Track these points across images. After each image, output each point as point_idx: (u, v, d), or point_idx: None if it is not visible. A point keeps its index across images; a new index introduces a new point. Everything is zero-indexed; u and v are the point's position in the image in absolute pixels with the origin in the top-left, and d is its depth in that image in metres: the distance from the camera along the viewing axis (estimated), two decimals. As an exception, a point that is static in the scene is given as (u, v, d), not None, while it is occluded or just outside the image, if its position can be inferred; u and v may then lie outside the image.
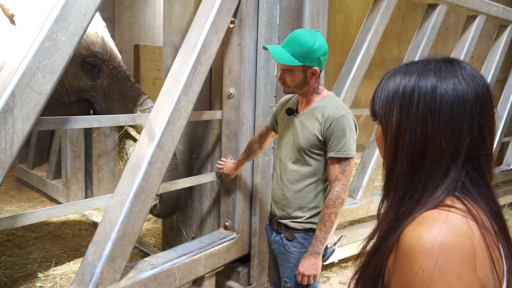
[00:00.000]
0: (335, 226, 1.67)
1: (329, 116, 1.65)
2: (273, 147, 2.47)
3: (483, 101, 0.73)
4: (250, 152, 2.13)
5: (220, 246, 2.30)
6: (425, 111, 0.73)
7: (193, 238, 2.69)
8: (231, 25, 2.33)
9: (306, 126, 1.71)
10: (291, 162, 1.77)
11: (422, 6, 3.56)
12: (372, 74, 6.81)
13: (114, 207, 1.78)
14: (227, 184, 2.46)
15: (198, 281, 2.29)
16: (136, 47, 6.46)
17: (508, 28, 4.26)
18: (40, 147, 5.12)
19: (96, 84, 2.41)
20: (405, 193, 0.75)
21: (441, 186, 0.72)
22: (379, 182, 3.89)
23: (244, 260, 2.53)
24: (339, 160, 1.64)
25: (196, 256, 2.15)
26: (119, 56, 2.59)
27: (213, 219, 2.70)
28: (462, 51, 3.74)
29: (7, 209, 4.13)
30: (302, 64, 1.63)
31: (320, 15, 2.44)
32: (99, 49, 2.38)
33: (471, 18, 3.81)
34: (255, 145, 2.11)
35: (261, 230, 2.50)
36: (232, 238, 2.39)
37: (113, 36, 4.40)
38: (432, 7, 3.37)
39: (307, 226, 1.75)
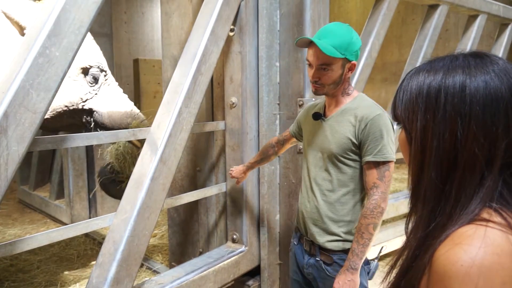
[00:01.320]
0: (374, 238, 1.47)
1: (363, 116, 1.49)
2: (279, 156, 2.41)
3: None
4: (264, 156, 1.98)
5: (229, 260, 2.22)
6: (453, 114, 0.65)
7: (200, 253, 2.61)
8: (231, 33, 2.29)
9: (337, 130, 1.55)
10: (323, 170, 1.59)
11: (421, 8, 3.53)
12: (373, 78, 6.78)
13: (117, 226, 1.71)
14: (234, 196, 2.39)
15: (208, 298, 2.22)
16: (136, 61, 6.45)
17: (509, 26, 4.21)
18: (41, 168, 5.06)
19: (96, 92, 2.50)
20: (435, 206, 0.67)
21: (475, 198, 0.64)
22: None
23: (254, 273, 2.45)
24: (377, 164, 1.46)
25: (205, 272, 2.07)
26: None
27: (220, 232, 2.63)
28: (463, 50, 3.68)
29: (9, 233, 4.06)
30: (343, 56, 1.47)
31: (322, 20, 2.38)
32: (100, 59, 2.47)
33: (472, 18, 3.77)
34: (270, 150, 1.96)
35: (270, 242, 2.42)
36: (241, 252, 2.31)
37: (111, 51, 4.38)
38: (433, 7, 3.33)
39: (347, 245, 1.54)
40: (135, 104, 2.73)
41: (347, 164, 1.55)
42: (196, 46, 2.04)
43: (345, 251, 1.53)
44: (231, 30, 2.26)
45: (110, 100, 2.55)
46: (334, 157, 1.56)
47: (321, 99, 1.74)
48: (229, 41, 2.29)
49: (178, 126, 1.91)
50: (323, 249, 1.58)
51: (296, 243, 1.72)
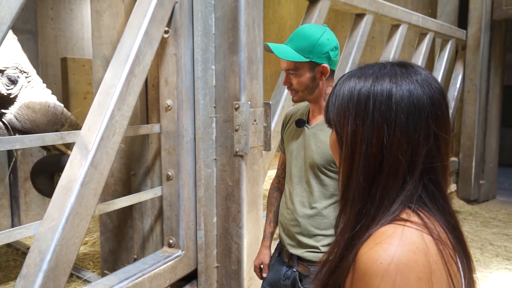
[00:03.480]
0: None
1: None
2: (215, 159, 2.42)
3: (439, 108, 0.70)
4: (276, 206, 1.74)
5: (165, 265, 2.18)
6: (380, 121, 0.69)
7: (135, 260, 2.54)
8: (166, 35, 2.26)
9: (322, 140, 1.48)
10: (304, 181, 1.51)
11: (350, 16, 3.73)
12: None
13: (44, 235, 1.62)
14: (170, 200, 2.36)
15: (143, 305, 2.16)
16: (64, 60, 6.11)
17: (427, 36, 4.60)
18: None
19: (15, 94, 2.32)
20: (362, 208, 0.71)
21: (397, 200, 0.69)
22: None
23: (191, 277, 2.43)
24: None
25: (140, 279, 2.02)
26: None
27: (156, 237, 2.57)
28: (388, 58, 3.96)
29: None
30: (308, 60, 1.42)
31: (256, 24, 2.44)
32: (20, 60, 2.26)
33: (395, 27, 4.07)
34: (277, 194, 1.76)
35: (207, 245, 2.42)
36: (177, 256, 2.29)
37: (36, 49, 4.11)
38: (359, 16, 3.54)
39: None
40: (64, 105, 2.59)
41: (330, 177, 1.47)
42: (129, 47, 1.99)
43: None
44: (166, 32, 2.23)
45: (32, 103, 2.37)
46: (317, 168, 1.48)
47: (302, 104, 1.66)
48: (163, 43, 2.26)
49: (111, 129, 1.85)
50: (301, 260, 1.52)
51: (277, 255, 1.66)
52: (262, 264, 1.73)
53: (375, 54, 6.39)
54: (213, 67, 2.40)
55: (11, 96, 2.31)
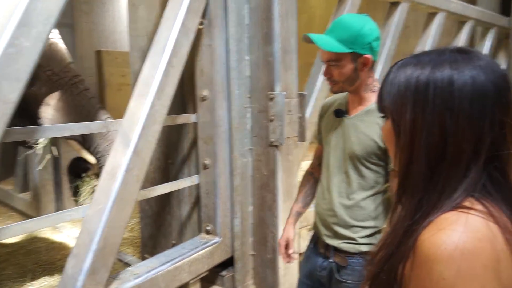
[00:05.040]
0: None
1: None
2: (250, 149, 2.46)
3: (504, 94, 0.67)
4: (309, 193, 1.73)
5: (203, 251, 2.25)
6: (442, 108, 0.67)
7: (173, 245, 2.63)
8: (201, 26, 2.30)
9: (362, 131, 1.45)
10: (342, 171, 1.49)
11: (382, 5, 3.65)
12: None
13: (92, 218, 1.71)
14: (206, 189, 2.42)
15: (182, 288, 2.25)
16: (98, 53, 6.28)
17: (467, 24, 4.40)
18: (5, 160, 4.91)
19: (30, 91, 2.11)
20: (423, 196, 0.70)
21: (459, 188, 0.67)
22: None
23: (227, 264, 2.50)
24: None
25: (180, 263, 2.10)
26: (67, 59, 2.39)
27: (194, 224, 2.65)
28: (425, 48, 3.85)
29: (-29, 225, 3.92)
30: (351, 51, 1.39)
31: (290, 15, 2.45)
32: None
33: (431, 15, 3.93)
34: (311, 180, 1.73)
35: (243, 233, 2.47)
36: (215, 243, 2.35)
37: (73, 42, 4.24)
38: (394, 5, 3.47)
39: (363, 248, 1.44)
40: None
41: (369, 168, 1.46)
42: (166, 38, 2.04)
43: (361, 254, 1.45)
44: (201, 23, 2.27)
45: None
46: (357, 160, 1.46)
47: (340, 94, 1.63)
48: (198, 34, 2.30)
49: (151, 118, 1.92)
50: (338, 251, 1.50)
51: (312, 246, 1.65)
52: (287, 241, 1.70)
53: (410, 44, 6.22)
54: (247, 57, 2.43)
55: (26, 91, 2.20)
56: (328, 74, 1.47)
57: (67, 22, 4.07)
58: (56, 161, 3.96)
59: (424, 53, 0.74)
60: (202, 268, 2.25)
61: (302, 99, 2.47)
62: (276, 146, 2.36)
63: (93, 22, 6.58)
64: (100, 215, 1.70)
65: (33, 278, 2.84)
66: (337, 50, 1.40)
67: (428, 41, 3.85)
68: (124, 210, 1.78)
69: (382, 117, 0.80)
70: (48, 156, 2.44)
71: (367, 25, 1.42)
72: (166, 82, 2.01)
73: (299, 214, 1.75)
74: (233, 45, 2.36)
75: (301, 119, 2.42)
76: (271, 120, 2.34)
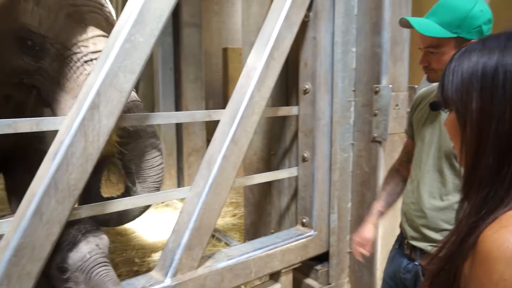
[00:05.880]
0: None
1: None
2: (352, 144, 2.38)
3: None
4: (394, 193, 1.62)
5: (296, 242, 2.28)
6: None
7: (272, 234, 2.71)
8: (306, 19, 2.30)
9: None
10: (435, 169, 1.38)
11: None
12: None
13: (191, 199, 1.87)
14: (305, 181, 2.43)
15: (275, 276, 2.30)
16: (224, 50, 6.73)
17: None
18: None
19: (41, 66, 1.81)
20: (490, 191, 0.65)
21: None
22: None
23: (322, 258, 2.47)
24: None
25: (272, 250, 2.16)
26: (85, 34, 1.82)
27: (292, 215, 2.69)
28: None
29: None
30: (455, 35, 1.24)
31: (402, 2, 2.28)
32: (32, 20, 1.72)
33: None
34: (396, 179, 1.63)
35: (340, 229, 2.42)
36: (309, 235, 2.35)
37: (200, 41, 4.63)
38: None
39: None
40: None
41: None
42: (269, 32, 2.10)
43: None
44: (306, 16, 2.27)
45: (63, 79, 1.85)
46: (454, 157, 1.33)
47: (435, 85, 1.48)
48: (303, 26, 2.31)
49: (250, 109, 2.00)
50: (425, 253, 1.41)
51: (397, 247, 1.57)
52: (364, 240, 1.59)
53: None
54: (354, 49, 2.35)
55: (36, 66, 1.82)
56: (425, 62, 1.34)
57: (195, 21, 4.45)
58: (179, 149, 4.40)
59: (490, 37, 0.68)
60: (295, 259, 2.27)
61: (413, 93, 2.29)
62: (379, 142, 2.24)
63: (222, 21, 7.09)
64: (198, 197, 1.85)
65: (153, 251, 3.20)
66: (438, 34, 1.26)
67: None
68: (220, 195, 1.90)
69: (445, 108, 0.74)
70: None
71: (478, 5, 1.25)
72: (267, 74, 2.07)
73: (381, 214, 1.63)
74: (339, 37, 2.31)
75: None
76: (375, 115, 2.23)
